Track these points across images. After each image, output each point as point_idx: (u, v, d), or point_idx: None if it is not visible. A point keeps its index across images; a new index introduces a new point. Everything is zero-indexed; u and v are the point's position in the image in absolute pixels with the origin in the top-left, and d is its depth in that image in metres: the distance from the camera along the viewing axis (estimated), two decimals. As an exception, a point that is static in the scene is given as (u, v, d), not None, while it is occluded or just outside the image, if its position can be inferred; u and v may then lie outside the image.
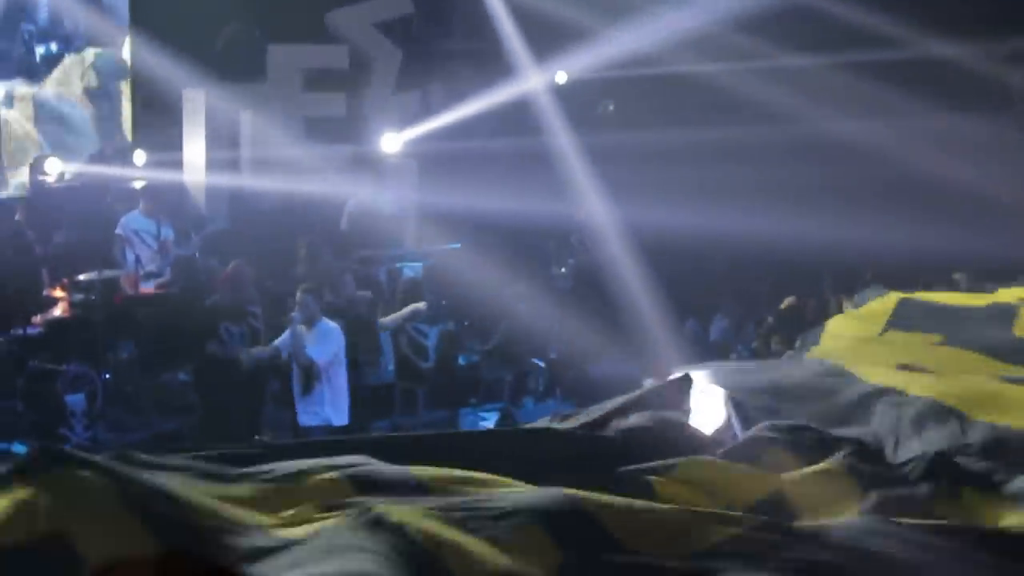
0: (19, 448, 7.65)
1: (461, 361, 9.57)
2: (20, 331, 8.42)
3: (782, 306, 9.23)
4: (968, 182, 10.41)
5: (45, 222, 9.65)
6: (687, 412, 5.65)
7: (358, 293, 8.64)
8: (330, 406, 7.31)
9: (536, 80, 11.75)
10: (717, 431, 5.45)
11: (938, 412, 5.18)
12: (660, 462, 4.44)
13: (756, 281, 10.34)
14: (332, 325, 7.38)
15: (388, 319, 8.82)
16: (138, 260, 9.08)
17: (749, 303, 9.88)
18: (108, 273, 8.95)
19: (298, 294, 7.49)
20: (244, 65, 10.76)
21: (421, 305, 9.05)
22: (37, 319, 8.68)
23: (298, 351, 7.21)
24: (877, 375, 5.89)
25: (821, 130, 11.05)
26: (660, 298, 9.53)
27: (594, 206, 10.69)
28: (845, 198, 10.85)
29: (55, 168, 10.40)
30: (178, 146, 10.86)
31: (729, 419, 5.78)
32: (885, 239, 9.83)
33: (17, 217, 9.66)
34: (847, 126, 11.07)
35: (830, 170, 11.01)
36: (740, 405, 5.62)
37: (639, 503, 3.69)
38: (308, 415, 7.30)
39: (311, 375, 7.21)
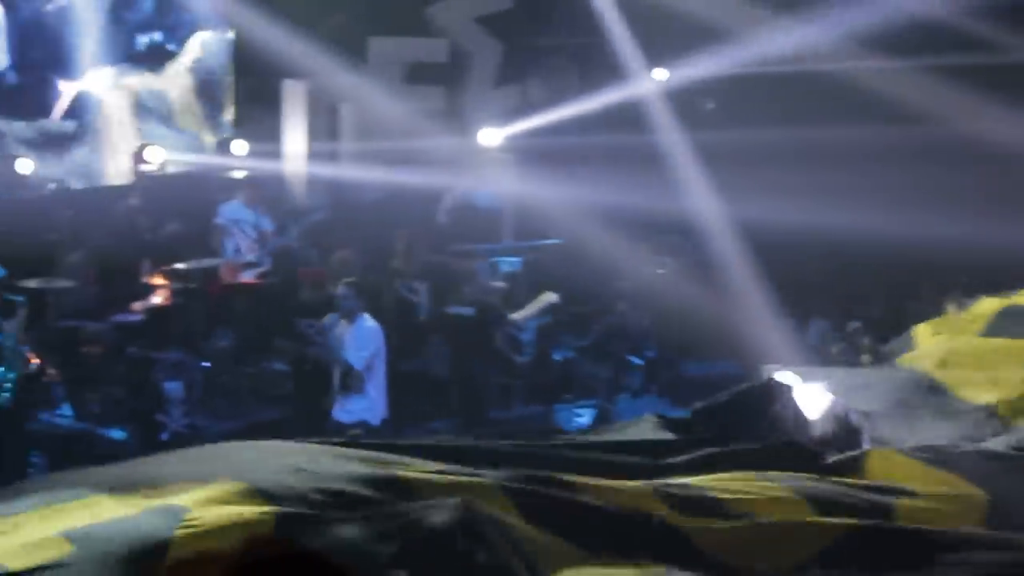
0: (118, 434, 7.87)
1: (557, 356, 9.59)
2: (120, 318, 8.60)
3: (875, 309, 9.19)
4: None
5: (157, 210, 9.89)
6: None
7: (491, 284, 8.71)
8: (367, 406, 7.19)
9: (638, 77, 11.76)
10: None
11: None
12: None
13: (856, 283, 10.27)
14: (371, 324, 7.21)
15: (520, 314, 8.86)
16: (237, 250, 9.41)
17: (849, 305, 9.80)
18: (208, 262, 9.15)
19: (339, 287, 7.42)
20: (345, 57, 10.92)
21: (553, 297, 9.07)
22: (137, 306, 8.85)
23: (335, 351, 7.15)
24: (969, 390, 5.89)
25: (927, 132, 10.95)
26: (759, 297, 9.48)
27: (694, 204, 10.67)
28: (952, 200, 10.78)
29: (157, 157, 10.64)
30: (278, 137, 11.12)
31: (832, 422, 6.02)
32: (991, 242, 9.54)
33: (132, 202, 9.90)
34: (959, 128, 10.93)
35: (938, 172, 10.95)
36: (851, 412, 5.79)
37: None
38: (344, 413, 7.17)
39: (348, 375, 7.12)
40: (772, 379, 6.57)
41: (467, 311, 8.14)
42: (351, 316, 7.22)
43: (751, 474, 5.02)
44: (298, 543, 3.78)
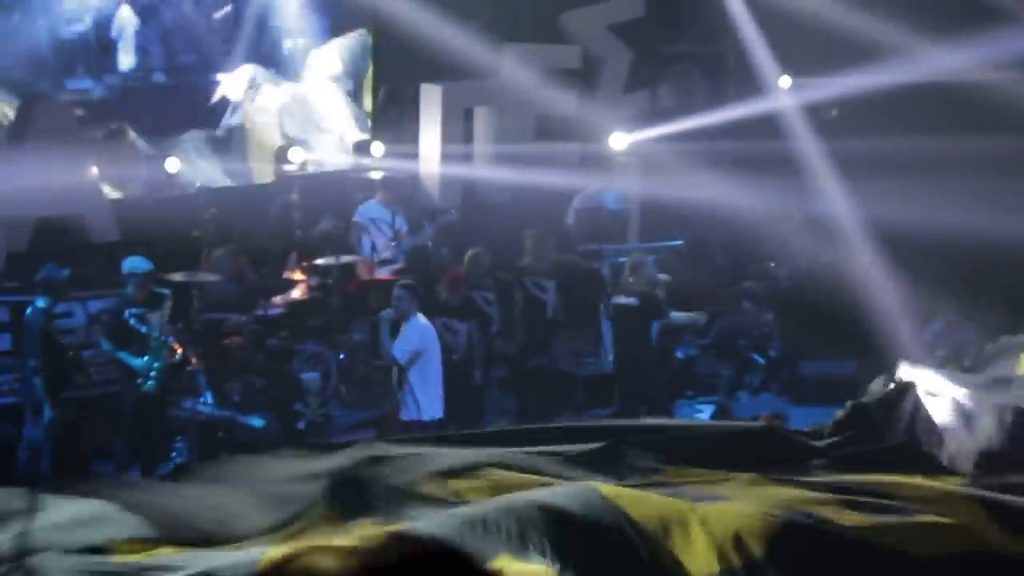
0: (257, 422, 8.24)
1: (679, 354, 9.80)
2: (262, 311, 8.97)
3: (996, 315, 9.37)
4: None
5: (306, 208, 10.48)
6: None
7: (658, 276, 8.92)
8: (418, 401, 7.50)
9: (768, 85, 11.97)
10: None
11: None
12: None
13: (980, 288, 10.28)
14: (422, 322, 7.60)
15: (680, 315, 9.21)
16: (374, 247, 9.89)
17: (971, 310, 9.81)
18: (345, 259, 9.53)
19: (395, 289, 7.85)
20: (480, 63, 11.26)
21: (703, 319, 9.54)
22: (278, 300, 9.24)
23: (384, 348, 7.63)
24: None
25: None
26: (879, 299, 9.54)
27: (819, 206, 10.84)
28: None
29: (298, 157, 11.09)
30: (414, 139, 11.58)
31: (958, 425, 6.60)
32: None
33: (291, 198, 10.48)
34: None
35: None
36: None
37: None
38: (404, 410, 7.54)
39: (400, 371, 7.53)
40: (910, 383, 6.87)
41: (632, 301, 8.43)
42: (406, 316, 7.64)
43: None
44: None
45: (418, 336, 7.55)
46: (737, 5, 11.94)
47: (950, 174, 10.34)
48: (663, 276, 9.01)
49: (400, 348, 7.53)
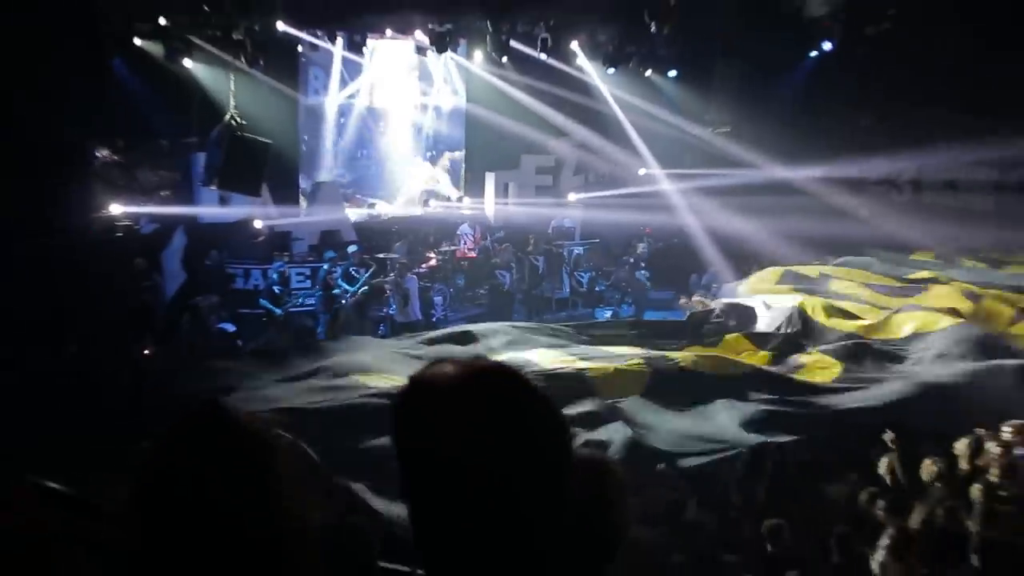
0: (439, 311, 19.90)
1: (597, 288, 20.63)
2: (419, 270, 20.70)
3: None
4: None
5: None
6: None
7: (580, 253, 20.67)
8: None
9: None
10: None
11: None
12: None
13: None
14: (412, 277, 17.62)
15: None
16: (464, 243, 21.45)
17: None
18: (448, 247, 20.97)
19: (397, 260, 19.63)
20: (510, 163, 22.68)
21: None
22: (431, 260, 20.86)
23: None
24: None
25: None
26: (691, 261, 19.85)
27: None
28: None
29: (430, 201, 22.86)
30: (483, 196, 23.00)
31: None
32: None
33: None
34: None
35: None
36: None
37: None
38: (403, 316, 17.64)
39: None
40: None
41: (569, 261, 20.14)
42: (403, 272, 16.75)
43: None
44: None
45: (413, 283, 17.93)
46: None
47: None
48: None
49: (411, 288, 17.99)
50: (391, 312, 17.16)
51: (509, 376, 1.59)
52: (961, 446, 8.18)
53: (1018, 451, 7.82)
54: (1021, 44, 16.39)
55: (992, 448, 7.81)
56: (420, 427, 1.54)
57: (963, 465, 8.05)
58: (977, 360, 10.78)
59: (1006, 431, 7.98)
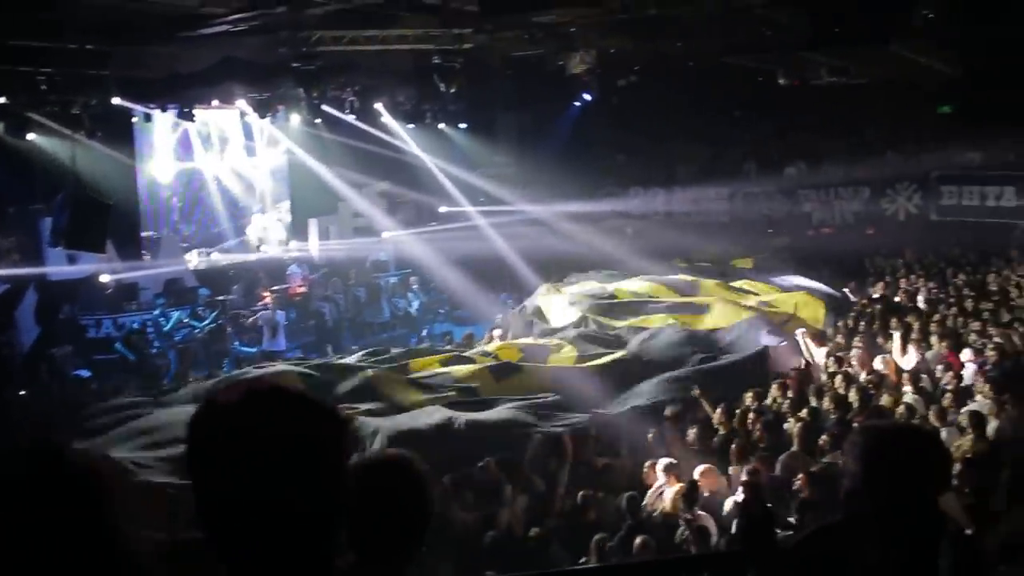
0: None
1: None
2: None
3: None
4: None
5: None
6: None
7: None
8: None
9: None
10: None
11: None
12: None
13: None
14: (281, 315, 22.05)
15: None
16: (293, 280, 24.36)
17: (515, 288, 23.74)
18: (281, 286, 23.96)
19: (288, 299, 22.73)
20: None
21: None
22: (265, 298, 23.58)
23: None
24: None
25: None
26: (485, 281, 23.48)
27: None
28: None
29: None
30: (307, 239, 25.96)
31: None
32: None
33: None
34: None
35: None
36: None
37: None
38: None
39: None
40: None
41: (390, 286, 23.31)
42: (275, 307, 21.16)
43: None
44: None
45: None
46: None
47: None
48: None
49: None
50: (237, 345, 20.15)
51: (285, 393, 1.70)
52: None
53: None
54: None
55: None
56: (207, 440, 1.64)
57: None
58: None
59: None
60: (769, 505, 7.91)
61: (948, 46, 17.63)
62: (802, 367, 13.41)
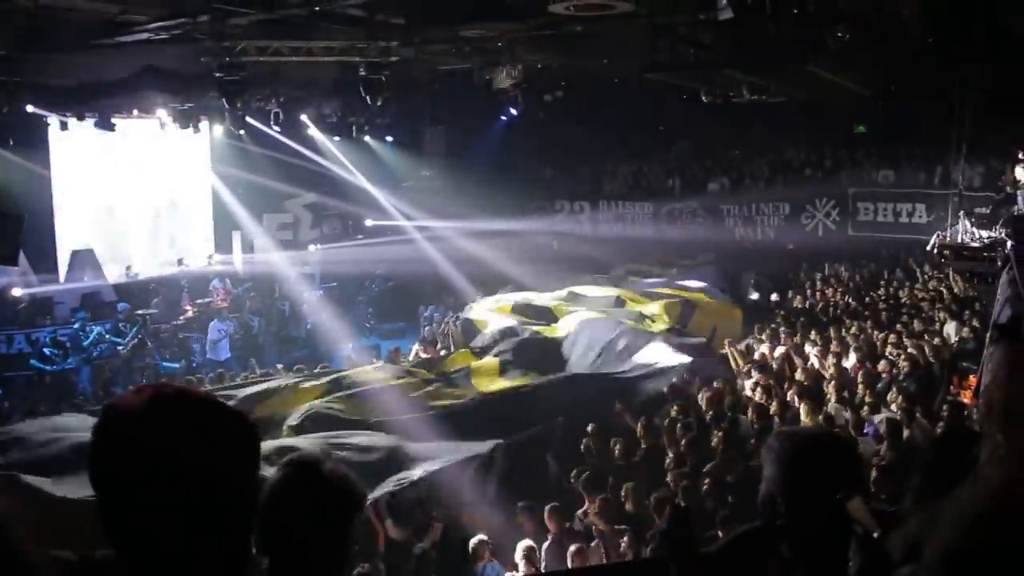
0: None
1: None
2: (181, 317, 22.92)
3: None
4: None
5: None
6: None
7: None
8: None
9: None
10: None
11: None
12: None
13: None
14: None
15: None
16: (216, 295, 23.88)
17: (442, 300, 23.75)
18: (204, 300, 23.50)
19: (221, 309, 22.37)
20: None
21: None
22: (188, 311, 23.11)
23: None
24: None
25: None
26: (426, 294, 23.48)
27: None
28: None
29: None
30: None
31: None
32: None
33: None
34: None
35: None
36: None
37: None
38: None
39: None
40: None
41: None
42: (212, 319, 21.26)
43: None
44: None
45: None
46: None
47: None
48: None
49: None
50: (160, 361, 19.87)
51: (191, 397, 1.68)
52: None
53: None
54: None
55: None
56: (111, 448, 1.61)
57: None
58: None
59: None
60: (685, 505, 7.96)
61: (861, 67, 18.17)
62: (726, 379, 13.62)
